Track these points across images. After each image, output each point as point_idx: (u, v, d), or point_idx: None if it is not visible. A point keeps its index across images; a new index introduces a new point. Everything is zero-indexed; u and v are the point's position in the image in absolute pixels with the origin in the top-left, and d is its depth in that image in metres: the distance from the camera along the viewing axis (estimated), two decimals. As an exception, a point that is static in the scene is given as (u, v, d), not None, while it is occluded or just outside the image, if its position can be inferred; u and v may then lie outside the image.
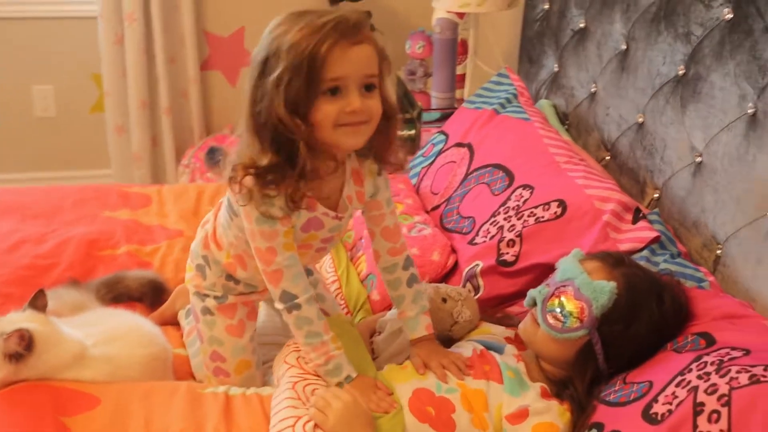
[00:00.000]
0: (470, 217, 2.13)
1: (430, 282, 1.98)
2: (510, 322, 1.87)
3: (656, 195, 2.05)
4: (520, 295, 1.95)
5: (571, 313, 1.59)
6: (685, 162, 1.94)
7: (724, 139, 1.79)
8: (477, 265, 2.00)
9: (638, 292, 1.59)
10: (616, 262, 1.65)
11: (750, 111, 1.71)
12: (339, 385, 1.57)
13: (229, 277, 1.73)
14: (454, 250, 2.10)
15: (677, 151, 1.96)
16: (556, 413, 1.55)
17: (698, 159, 1.89)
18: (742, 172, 1.74)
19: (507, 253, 1.97)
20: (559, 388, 1.63)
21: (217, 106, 3.73)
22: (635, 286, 1.59)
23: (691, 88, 1.90)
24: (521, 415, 1.55)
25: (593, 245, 1.87)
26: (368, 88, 1.47)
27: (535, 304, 1.67)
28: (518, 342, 1.78)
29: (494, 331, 1.81)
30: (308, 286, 1.59)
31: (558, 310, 1.60)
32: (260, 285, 1.72)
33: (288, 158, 1.47)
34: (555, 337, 1.60)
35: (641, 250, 1.84)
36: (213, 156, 3.40)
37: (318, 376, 1.60)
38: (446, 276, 2.07)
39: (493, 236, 2.02)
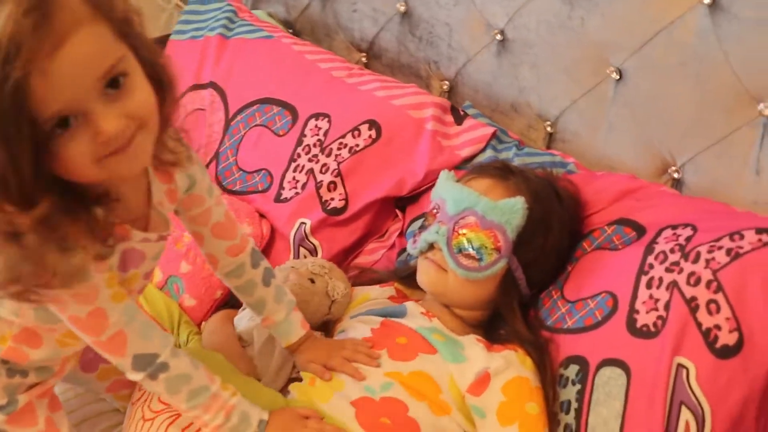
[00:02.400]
0: (261, 170, 1.75)
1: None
2: (375, 276, 1.59)
3: (446, 87, 1.85)
4: (364, 241, 1.68)
5: (484, 247, 1.36)
6: (482, 43, 1.75)
7: (536, 8, 1.63)
8: (303, 223, 1.65)
9: (543, 199, 1.41)
10: (502, 172, 1.44)
11: (563, -29, 1.56)
12: None
13: (12, 370, 1.17)
14: (261, 215, 1.72)
15: (469, 33, 1.76)
16: (518, 363, 1.33)
17: (499, 37, 1.72)
18: (568, 40, 1.61)
19: (333, 199, 1.66)
20: (488, 333, 1.41)
21: None
22: (538, 192, 1.41)
23: (470, -39, 1.70)
24: (482, 381, 1.30)
25: (431, 160, 1.64)
26: (114, 84, 0.91)
27: (431, 248, 1.41)
28: (402, 297, 1.52)
29: (372, 295, 1.52)
30: (163, 332, 1.13)
31: (468, 247, 1.36)
32: (56, 364, 1.21)
33: (61, 194, 0.93)
34: (473, 279, 1.37)
35: (483, 150, 1.65)
36: None
37: None
38: (267, 248, 1.69)
39: (305, 185, 1.68)
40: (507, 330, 1.39)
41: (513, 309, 1.40)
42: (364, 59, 2.00)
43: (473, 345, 1.35)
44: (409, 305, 1.44)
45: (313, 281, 1.46)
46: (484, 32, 1.74)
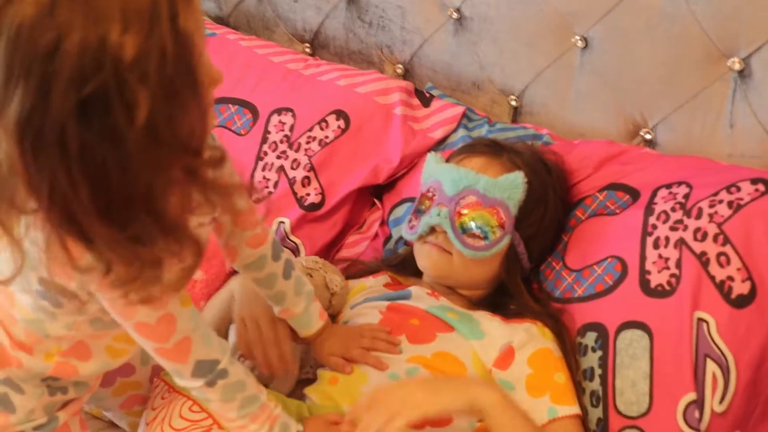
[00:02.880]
0: (226, 171, 1.67)
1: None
2: (365, 267, 1.55)
3: (400, 71, 1.82)
4: (344, 235, 1.64)
5: (488, 225, 1.34)
6: (437, 23, 1.73)
7: (494, -17, 1.63)
8: (282, 222, 1.59)
9: (537, 171, 1.41)
10: (493, 148, 1.43)
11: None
12: None
13: (53, 387, 1.12)
14: (234, 219, 1.64)
15: (424, 14, 1.74)
16: (539, 335, 1.32)
17: (455, 15, 1.70)
18: (529, 13, 1.60)
19: (309, 195, 1.61)
20: (495, 309, 1.40)
21: None
22: (532, 165, 1.41)
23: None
24: (507, 355, 1.29)
25: (405, 146, 1.61)
26: None
27: (431, 231, 1.38)
28: (397, 284, 1.48)
29: (368, 285, 1.48)
30: (220, 338, 1.09)
31: (473, 227, 1.34)
32: (95, 378, 1.17)
33: None
34: (479, 258, 1.35)
35: (455, 130, 1.63)
36: None
37: None
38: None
39: (277, 183, 1.62)
40: (517, 305, 1.38)
41: (518, 284, 1.40)
42: (308, 50, 1.94)
43: (489, 320, 1.34)
44: (413, 288, 1.41)
45: (310, 275, 1.40)
46: (439, 12, 1.72)
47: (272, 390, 1.24)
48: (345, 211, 1.62)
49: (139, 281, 0.87)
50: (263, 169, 1.64)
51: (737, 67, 1.44)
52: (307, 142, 1.63)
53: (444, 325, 1.32)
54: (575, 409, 1.25)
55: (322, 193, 1.61)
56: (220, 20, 2.06)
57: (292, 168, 1.62)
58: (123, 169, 0.79)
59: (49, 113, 0.76)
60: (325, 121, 1.64)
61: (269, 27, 1.99)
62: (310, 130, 1.64)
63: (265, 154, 1.65)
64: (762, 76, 1.42)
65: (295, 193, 1.61)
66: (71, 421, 1.17)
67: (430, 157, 1.44)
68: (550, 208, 1.40)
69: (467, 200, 1.35)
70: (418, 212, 1.42)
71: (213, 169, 0.89)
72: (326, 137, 1.63)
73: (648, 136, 1.56)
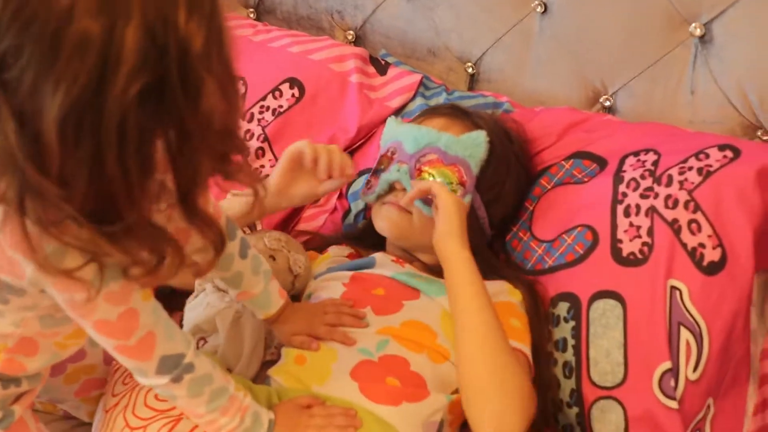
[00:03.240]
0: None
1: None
2: (325, 241, 1.49)
3: (350, 37, 1.77)
4: (301, 208, 1.59)
5: (449, 182, 1.31)
6: (391, -12, 1.68)
7: (452, -54, 1.58)
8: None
9: (499, 135, 1.37)
10: (454, 110, 1.39)
11: None
12: None
13: (7, 381, 1.04)
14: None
15: (378, -24, 1.69)
16: (507, 292, 1.29)
17: (410, -22, 1.66)
18: (487, -23, 1.57)
19: (263, 167, 1.55)
20: None
21: None
22: (492, 129, 1.37)
23: None
24: None
25: (362, 115, 1.57)
26: None
27: (391, 190, 1.34)
28: (359, 256, 1.44)
29: (332, 254, 1.43)
30: (182, 331, 1.03)
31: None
32: (48, 370, 1.11)
33: None
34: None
35: (413, 98, 1.59)
36: None
37: None
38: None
39: (229, 155, 1.55)
40: (485, 267, 1.33)
41: (483, 247, 1.36)
42: (252, 15, 1.87)
43: None
44: (378, 255, 1.37)
45: (273, 258, 1.35)
46: (393, -24, 1.67)
47: (238, 377, 1.19)
48: (303, 183, 1.56)
49: (152, 267, 0.85)
50: (214, 141, 1.56)
51: (698, 32, 1.43)
52: (260, 112, 1.57)
53: (410, 291, 1.28)
54: (526, 348, 1.23)
55: (277, 165, 1.55)
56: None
57: (246, 139, 1.55)
58: (179, 153, 0.79)
59: (111, 96, 0.72)
60: (279, 90, 1.58)
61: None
62: (263, 99, 1.58)
63: (216, 124, 1.57)
64: (723, 42, 1.42)
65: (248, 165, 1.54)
66: (25, 414, 1.09)
67: (390, 120, 1.40)
68: (513, 172, 1.38)
69: (428, 157, 1.32)
70: (377, 172, 1.37)
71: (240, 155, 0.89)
72: (280, 106, 1.57)
73: (608, 103, 1.55)
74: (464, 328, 1.17)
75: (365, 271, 1.33)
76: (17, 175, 0.76)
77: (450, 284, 1.21)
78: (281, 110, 1.57)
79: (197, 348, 1.05)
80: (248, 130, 1.56)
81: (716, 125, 1.45)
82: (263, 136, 1.55)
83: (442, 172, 1.31)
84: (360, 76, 1.59)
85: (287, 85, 1.58)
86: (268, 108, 1.57)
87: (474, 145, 1.32)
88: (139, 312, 0.95)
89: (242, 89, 1.60)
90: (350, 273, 1.33)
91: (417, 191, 1.27)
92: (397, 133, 1.36)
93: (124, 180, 0.76)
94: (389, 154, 1.36)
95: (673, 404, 1.17)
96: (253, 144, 1.55)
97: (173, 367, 1.00)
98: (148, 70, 0.73)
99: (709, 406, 1.22)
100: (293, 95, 1.57)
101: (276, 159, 1.55)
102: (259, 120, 1.56)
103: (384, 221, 1.35)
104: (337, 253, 1.43)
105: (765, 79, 1.39)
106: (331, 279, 1.34)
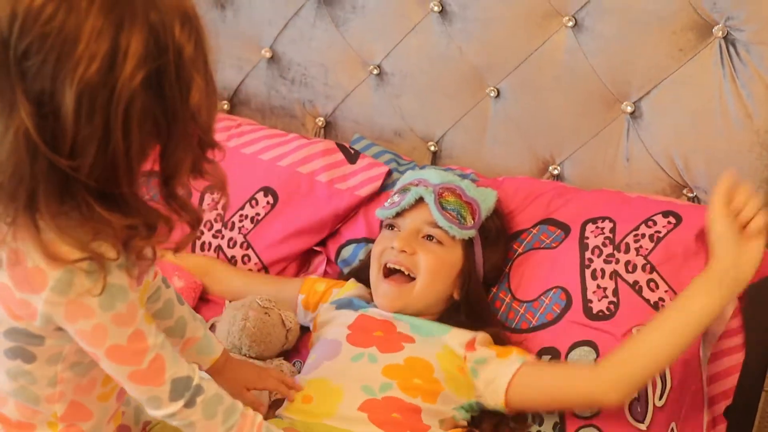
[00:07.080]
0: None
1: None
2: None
3: (320, 123, 1.96)
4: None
5: (463, 213, 1.54)
6: (359, 79, 1.88)
7: (414, 44, 1.80)
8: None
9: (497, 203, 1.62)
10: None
11: (435, 8, 1.74)
12: None
13: None
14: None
15: (346, 71, 1.89)
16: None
17: (375, 71, 1.86)
18: (448, 68, 1.79)
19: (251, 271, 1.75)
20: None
21: None
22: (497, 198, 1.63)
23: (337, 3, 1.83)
24: (472, 342, 1.46)
25: (334, 212, 1.74)
26: None
27: (394, 272, 1.53)
28: None
29: (351, 284, 1.64)
30: (181, 357, 1.12)
31: (451, 208, 1.53)
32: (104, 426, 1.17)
33: None
34: (452, 235, 1.52)
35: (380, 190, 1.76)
36: None
37: None
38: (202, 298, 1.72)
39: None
40: (475, 318, 1.53)
41: (481, 292, 1.58)
42: (226, 106, 2.04)
43: (448, 327, 1.50)
44: (357, 299, 1.57)
45: (267, 314, 1.55)
46: (361, 69, 1.87)
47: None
48: (291, 269, 1.76)
49: (146, 235, 0.98)
50: (200, 249, 1.76)
51: (629, 109, 1.70)
52: (240, 221, 1.75)
53: (407, 338, 1.46)
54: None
55: (264, 267, 1.74)
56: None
57: (229, 246, 1.74)
58: (168, 139, 0.94)
59: (121, 78, 0.87)
60: (255, 199, 1.76)
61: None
62: (242, 208, 1.76)
63: (201, 233, 1.75)
64: (651, 117, 1.69)
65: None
66: None
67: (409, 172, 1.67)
68: (503, 231, 1.63)
69: (450, 189, 1.55)
70: (403, 191, 1.58)
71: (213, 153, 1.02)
72: (257, 214, 1.74)
73: (556, 172, 1.80)
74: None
75: (370, 311, 1.52)
76: (27, 170, 0.88)
77: (680, 310, 1.39)
78: (259, 218, 1.74)
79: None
80: (231, 239, 1.74)
81: (649, 186, 1.71)
82: (246, 243, 1.73)
83: (459, 203, 1.54)
84: (328, 174, 1.75)
85: (261, 193, 1.75)
86: (246, 216, 1.75)
87: (486, 195, 1.59)
88: (145, 333, 1.03)
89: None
90: (356, 314, 1.52)
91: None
92: (421, 173, 1.60)
93: (125, 155, 0.90)
94: (414, 183, 1.58)
95: (642, 426, 1.42)
96: (238, 252, 1.73)
97: (185, 389, 1.07)
98: (151, 62, 0.88)
99: (672, 429, 1.47)
100: (268, 202, 1.75)
101: (261, 262, 1.73)
102: (239, 228, 1.74)
103: (383, 299, 1.53)
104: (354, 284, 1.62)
105: (688, 146, 1.66)
106: (338, 324, 1.51)
